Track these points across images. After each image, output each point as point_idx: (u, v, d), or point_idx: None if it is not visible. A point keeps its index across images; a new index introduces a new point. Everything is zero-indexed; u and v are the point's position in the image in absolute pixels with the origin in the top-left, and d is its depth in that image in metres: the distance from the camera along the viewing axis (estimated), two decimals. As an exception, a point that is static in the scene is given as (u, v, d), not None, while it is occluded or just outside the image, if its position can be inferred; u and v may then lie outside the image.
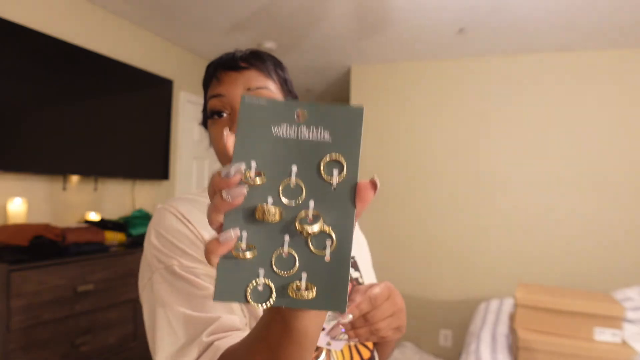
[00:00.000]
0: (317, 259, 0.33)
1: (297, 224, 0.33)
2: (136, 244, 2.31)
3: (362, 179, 0.33)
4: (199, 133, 3.41)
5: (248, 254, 0.33)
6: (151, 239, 0.65)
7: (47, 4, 2.25)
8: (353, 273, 0.78)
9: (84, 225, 2.27)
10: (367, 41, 3.06)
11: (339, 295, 0.33)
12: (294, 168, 0.34)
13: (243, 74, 0.68)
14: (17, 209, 2.05)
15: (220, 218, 0.33)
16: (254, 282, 0.33)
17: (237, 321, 0.58)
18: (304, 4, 2.48)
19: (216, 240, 0.32)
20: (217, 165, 3.74)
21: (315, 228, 0.32)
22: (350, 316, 0.51)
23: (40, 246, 1.84)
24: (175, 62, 3.22)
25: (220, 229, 0.33)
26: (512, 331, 1.76)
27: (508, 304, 2.49)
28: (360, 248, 0.87)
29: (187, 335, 0.56)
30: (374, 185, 0.33)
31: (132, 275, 2.18)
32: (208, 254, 0.32)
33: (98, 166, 2.48)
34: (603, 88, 3.01)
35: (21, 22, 2.06)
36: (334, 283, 0.33)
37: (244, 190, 0.32)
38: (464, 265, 3.28)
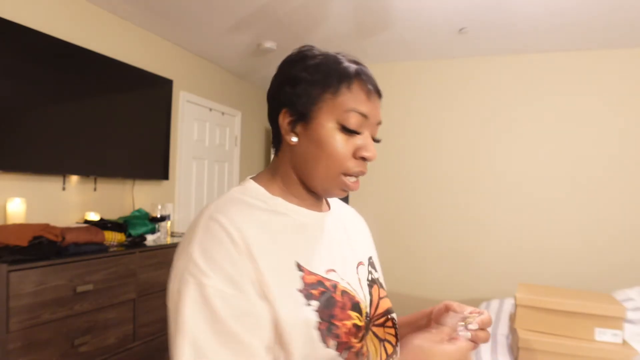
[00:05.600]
0: None
1: None
2: (135, 244, 2.30)
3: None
4: (198, 133, 3.40)
5: None
6: (190, 251, 0.57)
7: (47, 4, 2.25)
8: (374, 273, 0.75)
9: (84, 225, 2.26)
10: (367, 41, 3.05)
11: None
12: None
13: (378, 103, 0.68)
14: (16, 209, 2.05)
15: None
16: None
17: None
18: (303, 4, 2.48)
19: None
20: (216, 166, 3.72)
21: None
22: (477, 325, 0.61)
23: (39, 246, 1.83)
24: (175, 62, 3.22)
25: None
26: (512, 331, 1.75)
27: (508, 304, 2.49)
28: (369, 241, 0.83)
29: None
30: None
31: (131, 276, 2.18)
32: None
33: (97, 166, 2.48)
34: (604, 88, 3.01)
35: (21, 22, 2.06)
36: None
37: None
38: (464, 266, 3.27)
